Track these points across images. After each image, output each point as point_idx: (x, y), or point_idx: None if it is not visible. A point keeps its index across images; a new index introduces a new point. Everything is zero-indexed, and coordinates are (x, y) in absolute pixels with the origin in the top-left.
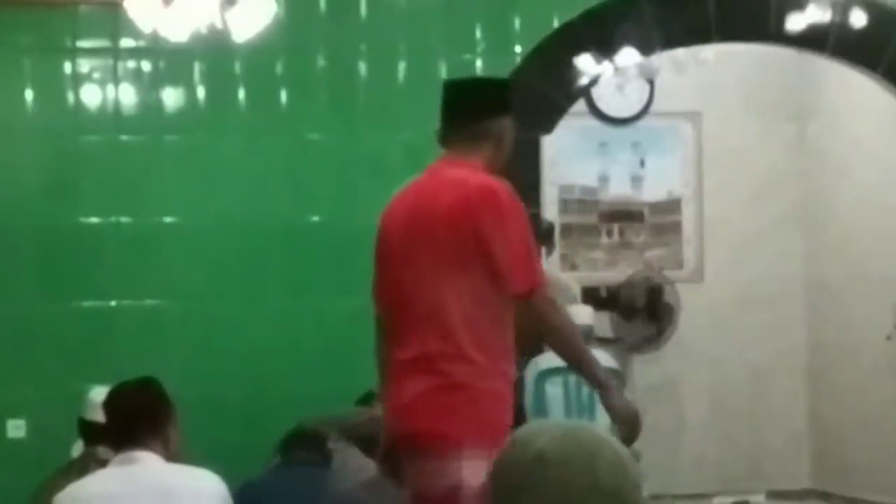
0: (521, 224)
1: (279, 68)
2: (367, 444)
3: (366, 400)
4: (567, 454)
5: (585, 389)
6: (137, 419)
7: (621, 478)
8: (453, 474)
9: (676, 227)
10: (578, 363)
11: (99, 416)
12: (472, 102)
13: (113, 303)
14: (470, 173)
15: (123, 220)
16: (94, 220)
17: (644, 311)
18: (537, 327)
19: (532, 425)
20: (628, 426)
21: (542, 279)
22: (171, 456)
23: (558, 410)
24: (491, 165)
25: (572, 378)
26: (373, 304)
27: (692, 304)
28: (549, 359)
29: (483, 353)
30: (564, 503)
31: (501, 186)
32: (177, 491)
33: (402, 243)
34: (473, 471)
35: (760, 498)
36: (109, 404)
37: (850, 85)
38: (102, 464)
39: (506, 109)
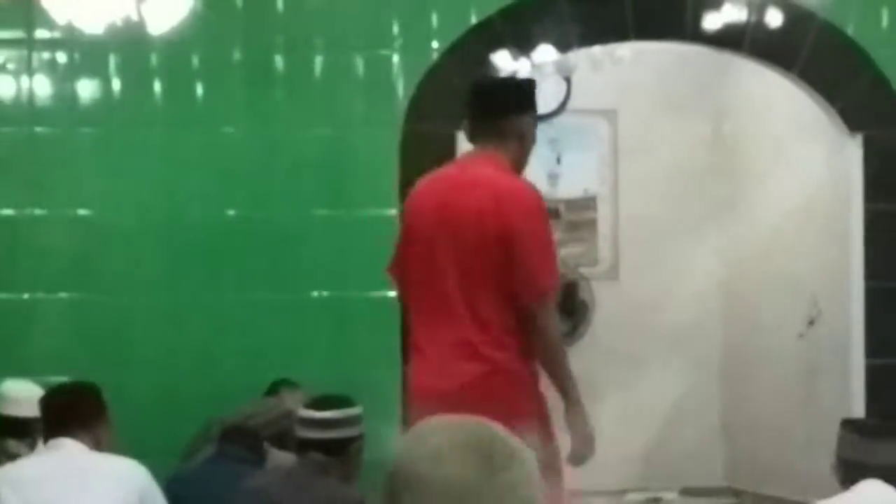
0: (546, 231)
1: (195, 61)
2: (280, 440)
3: (273, 390)
4: (464, 451)
5: None
6: (71, 414)
7: (518, 472)
8: None
9: (592, 225)
10: (558, 375)
11: (10, 411)
12: (499, 101)
13: (26, 296)
14: (500, 173)
15: (38, 212)
16: (9, 212)
17: (559, 308)
18: (531, 329)
19: (429, 421)
20: (584, 445)
21: (554, 287)
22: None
23: None
24: (516, 161)
25: None
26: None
27: (607, 302)
28: None
29: (514, 339)
30: (461, 500)
31: (532, 191)
32: (98, 474)
33: (431, 232)
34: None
35: (673, 495)
36: (46, 399)
37: (766, 84)
38: (12, 457)
39: (530, 108)
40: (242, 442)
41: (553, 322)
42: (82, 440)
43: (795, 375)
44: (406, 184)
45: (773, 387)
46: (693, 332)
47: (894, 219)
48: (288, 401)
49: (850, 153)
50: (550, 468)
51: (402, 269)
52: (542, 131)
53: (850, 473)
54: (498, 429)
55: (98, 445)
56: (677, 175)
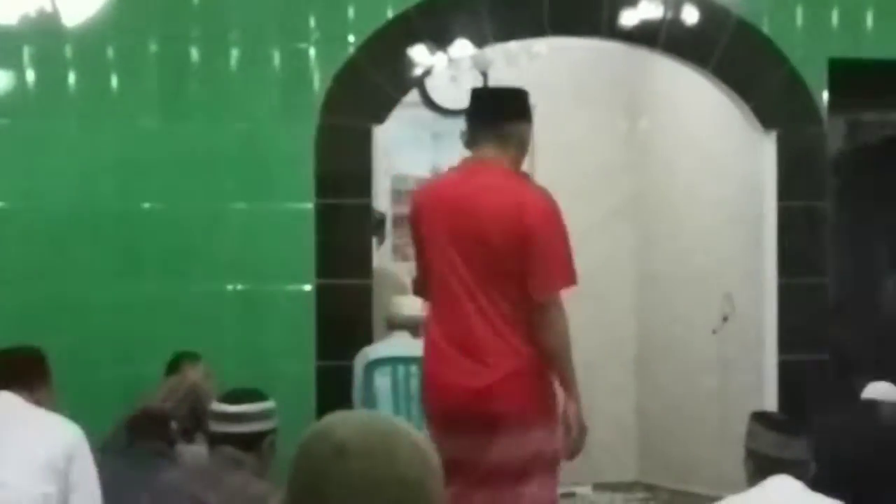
0: (563, 234)
1: (110, 52)
2: (192, 419)
3: (174, 364)
4: (367, 444)
5: (414, 381)
6: (12, 372)
7: (422, 467)
8: (533, 444)
9: None
10: (564, 368)
11: None
12: (502, 109)
13: None
14: (515, 180)
15: None
16: None
17: None
18: (543, 325)
19: (332, 416)
20: (581, 438)
21: (570, 286)
22: None
23: (386, 401)
24: (514, 166)
25: (401, 369)
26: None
27: None
28: (378, 349)
29: (526, 345)
30: (366, 494)
31: (550, 198)
32: (27, 425)
33: (449, 236)
34: (547, 440)
35: (587, 489)
36: None
37: (682, 81)
38: None
39: (528, 115)
40: (151, 432)
41: (563, 319)
42: (21, 396)
43: (709, 370)
44: (322, 177)
45: (687, 382)
46: (608, 325)
47: (807, 216)
48: (190, 374)
49: (764, 151)
50: (554, 462)
51: (425, 271)
52: (459, 126)
53: (759, 467)
54: (402, 424)
55: (38, 405)
56: (592, 170)
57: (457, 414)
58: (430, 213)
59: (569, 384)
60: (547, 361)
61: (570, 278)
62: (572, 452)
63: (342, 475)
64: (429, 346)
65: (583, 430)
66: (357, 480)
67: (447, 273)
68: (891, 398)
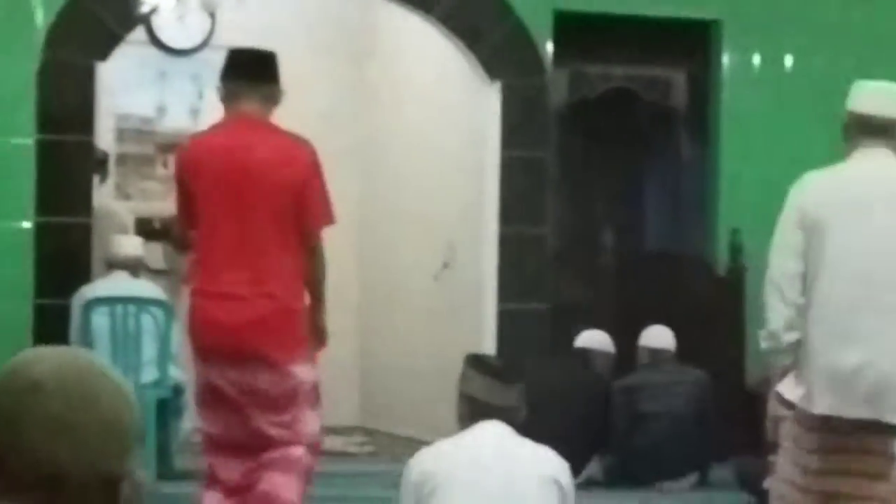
0: (324, 178)
1: None
2: None
3: None
4: (66, 383)
5: (132, 320)
6: None
7: (123, 408)
8: (294, 376)
9: None
10: (320, 283)
11: None
12: (267, 70)
13: None
14: (282, 132)
15: None
16: None
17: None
18: (313, 253)
19: (29, 352)
20: (325, 337)
21: (333, 222)
22: None
23: (104, 341)
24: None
25: (120, 308)
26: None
27: None
28: (97, 288)
29: (289, 286)
30: (61, 432)
31: (312, 147)
32: None
33: (217, 189)
34: (307, 373)
35: None
36: None
37: (408, 28)
38: None
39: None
40: None
41: (323, 251)
42: None
43: (430, 317)
44: (44, 113)
45: (409, 328)
46: (332, 270)
47: (529, 166)
48: None
49: (489, 100)
50: (314, 395)
51: (193, 221)
52: (186, 66)
53: (471, 411)
54: (100, 362)
55: None
56: (321, 116)
57: (222, 348)
58: (202, 167)
59: (321, 295)
60: (310, 286)
61: (334, 216)
62: (318, 349)
63: (37, 412)
64: (198, 288)
65: (323, 338)
66: (53, 418)
67: (219, 221)
68: (602, 347)
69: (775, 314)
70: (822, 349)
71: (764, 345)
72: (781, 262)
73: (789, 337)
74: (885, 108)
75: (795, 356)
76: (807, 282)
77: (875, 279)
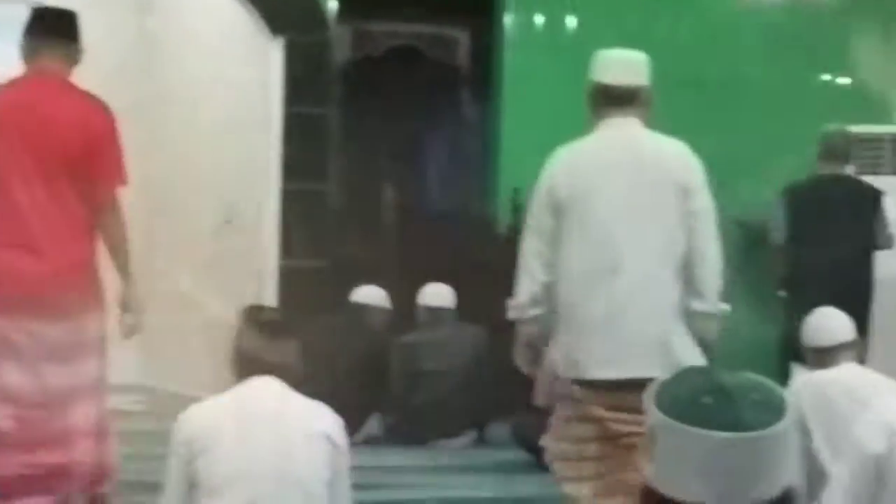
0: (119, 140)
1: None
2: None
3: None
4: None
5: None
6: None
7: None
8: (85, 327)
9: None
10: (125, 253)
11: None
12: (70, 30)
13: None
14: (82, 93)
15: None
16: None
17: None
18: (110, 213)
19: None
20: (139, 318)
21: (126, 182)
22: None
23: None
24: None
25: None
26: None
27: None
28: None
29: (83, 239)
30: None
31: (108, 107)
32: None
33: (12, 144)
34: (98, 323)
35: None
36: None
37: None
38: None
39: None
40: None
41: (123, 214)
42: None
43: (211, 273)
44: None
45: (189, 283)
46: None
47: (312, 122)
48: None
49: (272, 56)
50: (102, 343)
51: None
52: None
53: (245, 367)
54: None
55: None
56: (109, 71)
57: (19, 298)
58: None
59: (128, 270)
60: (113, 253)
61: (126, 177)
62: (132, 331)
63: None
64: None
65: (142, 309)
66: None
67: (14, 176)
68: (377, 302)
69: (523, 289)
70: (566, 316)
71: (511, 314)
72: (530, 242)
73: (533, 312)
74: (628, 76)
75: (539, 327)
76: (557, 258)
77: (616, 242)
